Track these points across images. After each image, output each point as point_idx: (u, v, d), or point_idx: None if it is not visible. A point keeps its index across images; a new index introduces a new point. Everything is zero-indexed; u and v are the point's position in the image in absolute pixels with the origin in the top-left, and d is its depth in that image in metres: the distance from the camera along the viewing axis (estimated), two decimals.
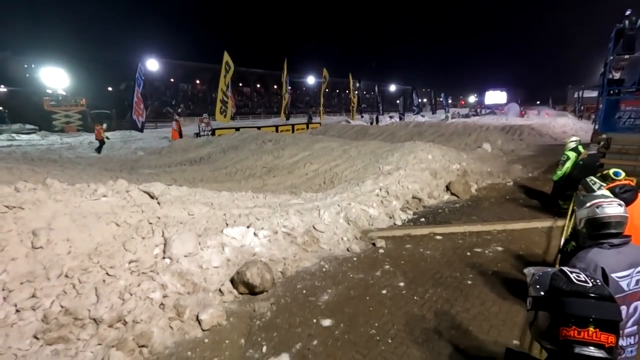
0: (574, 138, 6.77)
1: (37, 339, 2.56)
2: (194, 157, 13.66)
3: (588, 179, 3.42)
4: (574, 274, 0.97)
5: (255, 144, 13.64)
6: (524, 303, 3.43)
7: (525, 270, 1.24)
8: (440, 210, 6.59)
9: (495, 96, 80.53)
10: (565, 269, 1.01)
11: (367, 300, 3.59)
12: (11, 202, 3.35)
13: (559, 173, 6.43)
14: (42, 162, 10.11)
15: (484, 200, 7.26)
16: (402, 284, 3.90)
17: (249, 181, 9.82)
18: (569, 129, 21.67)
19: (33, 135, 22.97)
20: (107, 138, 17.92)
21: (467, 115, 41.99)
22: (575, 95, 37.37)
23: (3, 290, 2.71)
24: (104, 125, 18.32)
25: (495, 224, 5.68)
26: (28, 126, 24.51)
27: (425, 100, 66.53)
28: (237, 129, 19.40)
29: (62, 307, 2.77)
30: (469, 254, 4.68)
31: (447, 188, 7.57)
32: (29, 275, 2.91)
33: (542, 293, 0.98)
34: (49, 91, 30.39)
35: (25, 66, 37.99)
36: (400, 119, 36.78)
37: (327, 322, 3.20)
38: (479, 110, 49.07)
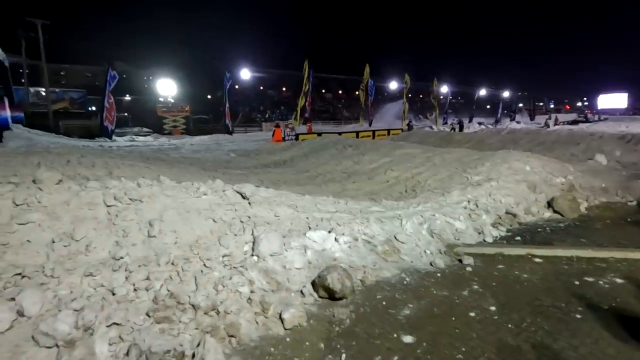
0: None
1: (149, 316, 2.93)
2: (278, 160, 14.45)
3: None
4: None
5: (336, 149, 13.86)
6: None
7: None
8: (539, 229, 5.86)
9: (612, 99, 69.08)
10: None
11: (453, 320, 3.34)
12: (134, 195, 3.93)
13: None
14: (154, 161, 11.69)
15: (597, 221, 6.24)
16: (493, 307, 3.55)
17: (329, 185, 10.00)
18: None
19: (148, 137, 26.92)
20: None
21: (574, 122, 36.95)
22: None
23: (125, 270, 3.17)
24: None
25: (613, 250, 4.83)
26: (145, 129, 28.87)
27: (521, 105, 60.33)
28: (319, 134, 19.99)
29: (168, 290, 3.14)
30: (577, 282, 4.06)
31: (549, 204, 6.71)
32: (144, 259, 3.37)
33: None
34: (161, 99, 35.27)
35: (145, 78, 44.82)
36: (496, 124, 33.96)
37: (408, 339, 3.07)
38: (589, 116, 42.81)
